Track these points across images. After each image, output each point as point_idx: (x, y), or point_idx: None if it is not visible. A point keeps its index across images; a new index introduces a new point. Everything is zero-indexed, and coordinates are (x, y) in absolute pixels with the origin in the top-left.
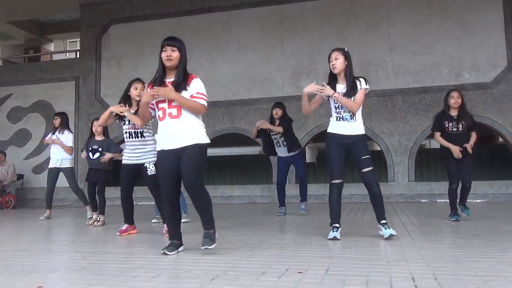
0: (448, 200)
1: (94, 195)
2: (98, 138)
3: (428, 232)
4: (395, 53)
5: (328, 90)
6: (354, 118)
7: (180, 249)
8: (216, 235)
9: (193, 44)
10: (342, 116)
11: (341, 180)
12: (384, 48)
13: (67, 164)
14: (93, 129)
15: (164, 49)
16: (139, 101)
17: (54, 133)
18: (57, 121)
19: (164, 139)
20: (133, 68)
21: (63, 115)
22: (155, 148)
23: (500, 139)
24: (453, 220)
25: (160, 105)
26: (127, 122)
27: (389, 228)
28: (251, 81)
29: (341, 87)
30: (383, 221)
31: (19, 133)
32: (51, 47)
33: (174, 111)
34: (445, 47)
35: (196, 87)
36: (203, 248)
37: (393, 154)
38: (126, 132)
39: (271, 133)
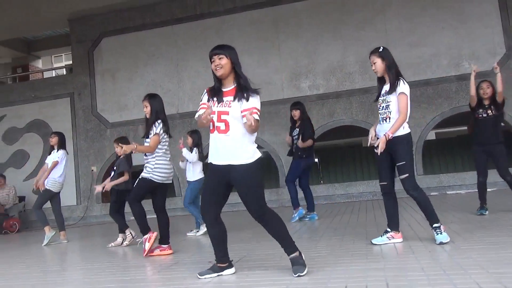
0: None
1: (120, 216)
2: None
3: (462, 230)
4: (392, 47)
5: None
6: (387, 120)
7: (225, 272)
8: (303, 256)
9: (188, 52)
10: (381, 118)
11: (385, 183)
12: (381, 43)
13: (47, 183)
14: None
15: (212, 60)
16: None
17: (50, 153)
18: (54, 139)
19: (213, 152)
20: (128, 80)
21: (60, 134)
22: (152, 164)
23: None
24: (478, 214)
25: (213, 117)
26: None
27: (440, 234)
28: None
29: (386, 87)
30: (434, 225)
31: (16, 154)
32: (39, 63)
33: (222, 125)
34: (443, 38)
35: (254, 103)
36: (295, 276)
37: None
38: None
39: (293, 134)
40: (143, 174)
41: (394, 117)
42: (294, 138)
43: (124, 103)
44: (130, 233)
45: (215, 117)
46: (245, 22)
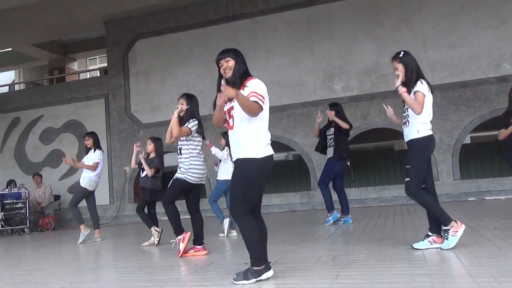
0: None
1: (146, 214)
2: (152, 155)
3: (507, 236)
4: (429, 47)
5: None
6: (406, 124)
7: (264, 276)
8: (256, 272)
9: None
10: (403, 122)
11: (423, 185)
12: (418, 43)
13: (83, 182)
14: (147, 147)
15: (220, 64)
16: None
17: (87, 153)
18: (89, 141)
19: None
20: (161, 81)
21: (94, 135)
22: (186, 165)
23: None
24: None
25: (225, 116)
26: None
27: (447, 239)
28: (281, 86)
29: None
30: (444, 228)
31: (52, 154)
32: (75, 66)
33: (231, 121)
34: (482, 38)
35: (252, 87)
36: (233, 280)
37: (435, 152)
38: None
39: (327, 133)
40: (177, 175)
41: (412, 121)
42: (330, 138)
43: (157, 104)
44: (156, 230)
45: (227, 116)
46: (278, 23)
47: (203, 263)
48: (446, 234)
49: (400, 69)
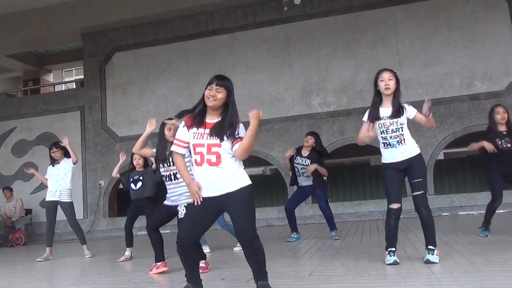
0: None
1: (131, 230)
2: (139, 169)
3: (482, 251)
4: (405, 65)
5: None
6: (402, 142)
7: None
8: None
9: (199, 68)
10: (389, 142)
11: (399, 205)
12: (393, 61)
13: (66, 197)
14: (134, 162)
15: (210, 86)
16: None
17: (53, 165)
18: (58, 153)
19: (204, 185)
20: (139, 94)
21: (63, 147)
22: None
23: None
24: (484, 236)
25: (198, 149)
26: (162, 165)
27: (433, 255)
28: (260, 101)
29: (386, 111)
30: (430, 247)
31: (24, 167)
32: (50, 77)
33: (213, 158)
34: (455, 57)
35: (243, 133)
36: None
37: None
38: (162, 175)
39: (295, 161)
40: (184, 202)
41: (408, 139)
42: (302, 166)
43: (135, 117)
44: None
45: (204, 149)
46: (257, 38)
47: (183, 278)
48: (431, 252)
49: (394, 82)
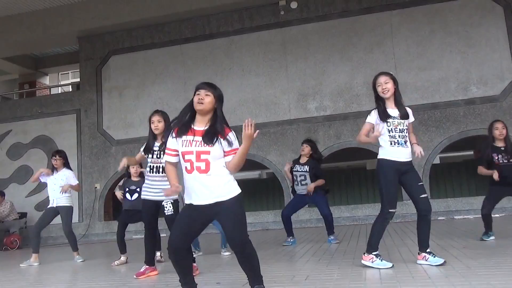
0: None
1: (123, 238)
2: (135, 179)
3: (478, 255)
4: (401, 70)
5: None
6: (407, 144)
7: None
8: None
9: (196, 72)
10: (398, 141)
11: (395, 210)
12: (389, 65)
13: (64, 201)
14: (133, 171)
15: (198, 92)
16: (161, 133)
17: (52, 173)
18: (59, 162)
19: (191, 193)
20: (135, 98)
21: (64, 154)
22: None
23: None
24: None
25: (187, 157)
26: (150, 156)
27: (434, 257)
28: (256, 105)
29: (393, 111)
30: (429, 250)
31: (20, 170)
32: (46, 80)
33: (202, 165)
34: (451, 62)
35: (236, 144)
36: None
37: None
38: (149, 165)
39: (294, 169)
40: (170, 198)
41: (408, 142)
42: (300, 175)
43: (131, 120)
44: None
45: (193, 157)
46: (253, 42)
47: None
48: (432, 254)
49: (391, 84)
